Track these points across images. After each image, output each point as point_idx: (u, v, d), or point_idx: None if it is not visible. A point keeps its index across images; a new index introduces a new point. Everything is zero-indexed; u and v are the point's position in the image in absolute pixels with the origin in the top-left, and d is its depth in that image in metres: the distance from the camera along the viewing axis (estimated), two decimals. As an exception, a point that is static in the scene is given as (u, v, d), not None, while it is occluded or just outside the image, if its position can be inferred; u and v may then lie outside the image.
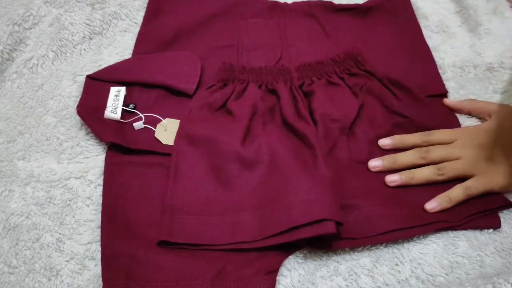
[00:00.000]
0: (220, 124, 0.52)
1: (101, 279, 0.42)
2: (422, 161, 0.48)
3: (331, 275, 0.43)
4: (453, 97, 0.56)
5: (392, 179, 0.48)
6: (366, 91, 0.54)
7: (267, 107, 0.54)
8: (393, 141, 0.50)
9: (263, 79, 0.56)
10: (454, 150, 0.48)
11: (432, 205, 0.45)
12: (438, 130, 0.50)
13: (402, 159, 0.49)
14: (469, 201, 0.46)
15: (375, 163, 0.49)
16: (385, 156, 0.49)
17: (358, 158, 0.50)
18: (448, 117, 0.53)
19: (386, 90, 0.54)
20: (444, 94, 0.56)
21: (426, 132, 0.50)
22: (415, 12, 0.66)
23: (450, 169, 0.47)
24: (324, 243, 0.43)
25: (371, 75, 0.55)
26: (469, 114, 0.54)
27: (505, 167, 0.46)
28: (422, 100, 0.53)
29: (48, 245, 0.46)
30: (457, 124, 0.53)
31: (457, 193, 0.46)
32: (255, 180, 0.47)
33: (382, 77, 0.54)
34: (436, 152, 0.48)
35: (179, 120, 0.53)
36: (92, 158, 0.52)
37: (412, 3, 0.67)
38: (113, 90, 0.55)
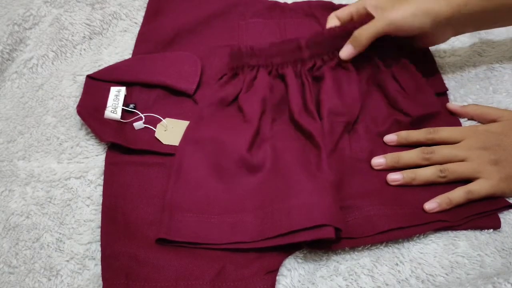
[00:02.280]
0: (229, 124, 0.51)
1: (101, 279, 0.42)
2: (426, 162, 0.48)
3: (331, 275, 0.43)
4: (453, 96, 0.56)
5: (394, 177, 0.47)
6: (373, 83, 0.54)
7: (277, 99, 0.53)
8: (398, 137, 0.50)
9: (273, 62, 0.55)
10: (459, 152, 0.47)
11: (431, 206, 0.45)
12: (444, 128, 0.50)
13: (405, 158, 0.48)
14: (469, 202, 0.46)
15: (378, 161, 0.49)
16: (389, 154, 0.49)
17: (359, 156, 0.50)
18: (449, 117, 0.53)
19: (393, 83, 0.53)
20: (445, 92, 0.56)
21: (432, 129, 0.50)
22: (415, 12, 0.66)
23: (453, 172, 0.46)
24: (324, 243, 0.43)
25: (379, 59, 0.54)
26: (472, 119, 0.53)
27: (508, 172, 0.46)
28: (426, 92, 0.53)
29: (48, 245, 0.46)
30: (458, 124, 0.52)
31: (458, 195, 0.45)
32: (257, 180, 0.47)
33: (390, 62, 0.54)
34: (440, 154, 0.47)
35: (179, 120, 0.53)
36: (92, 158, 0.52)
37: (412, 3, 0.67)
38: (113, 90, 0.55)
